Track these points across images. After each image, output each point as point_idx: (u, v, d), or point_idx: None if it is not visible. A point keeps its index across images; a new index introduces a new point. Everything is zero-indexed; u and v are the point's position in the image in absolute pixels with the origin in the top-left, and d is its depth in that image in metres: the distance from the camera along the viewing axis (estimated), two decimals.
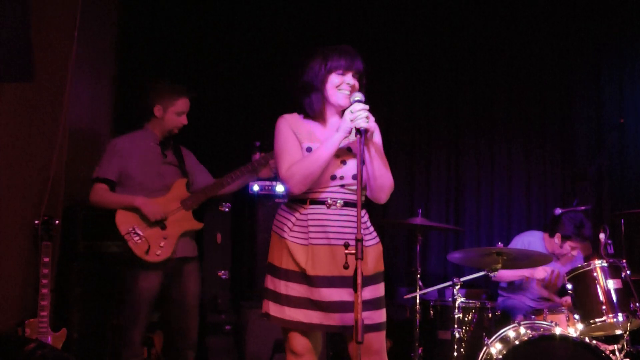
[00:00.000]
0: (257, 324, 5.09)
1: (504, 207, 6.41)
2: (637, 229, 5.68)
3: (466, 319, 4.66)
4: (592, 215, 5.55)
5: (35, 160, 4.25)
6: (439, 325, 4.77)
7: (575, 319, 4.23)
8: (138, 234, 4.12)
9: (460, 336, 4.50)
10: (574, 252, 5.14)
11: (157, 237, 4.17)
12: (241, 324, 5.26)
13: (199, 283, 4.48)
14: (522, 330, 4.19)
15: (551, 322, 4.26)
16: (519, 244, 5.21)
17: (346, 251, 2.62)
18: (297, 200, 3.17)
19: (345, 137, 3.05)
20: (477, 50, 6.50)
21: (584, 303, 4.21)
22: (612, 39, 6.43)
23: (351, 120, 2.95)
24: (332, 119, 3.21)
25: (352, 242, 2.64)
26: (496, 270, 4.36)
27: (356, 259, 2.55)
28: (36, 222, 4.10)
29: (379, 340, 3.13)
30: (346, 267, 2.63)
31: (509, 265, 4.52)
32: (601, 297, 4.14)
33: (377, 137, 3.22)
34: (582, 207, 5.21)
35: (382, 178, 3.12)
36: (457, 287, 4.46)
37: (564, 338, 4.05)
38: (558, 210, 5.16)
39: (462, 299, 4.54)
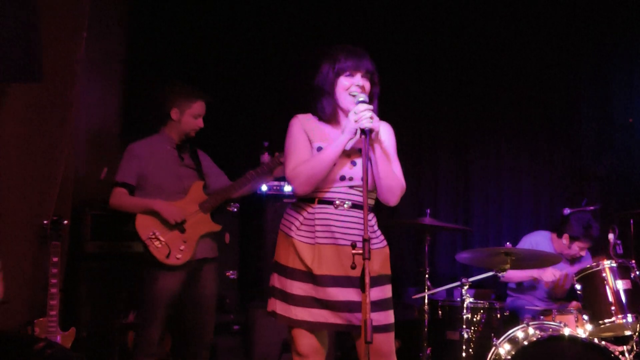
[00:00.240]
0: (265, 324, 5.10)
1: (513, 207, 6.40)
2: None
3: (475, 319, 4.65)
4: (601, 215, 5.52)
5: (44, 161, 4.27)
6: (448, 325, 4.76)
7: (584, 319, 4.21)
8: (159, 239, 4.15)
9: (468, 336, 4.49)
10: (582, 253, 5.13)
11: (177, 241, 4.19)
12: (249, 324, 5.27)
13: (217, 283, 4.51)
14: (531, 330, 4.18)
15: (560, 322, 4.24)
16: (527, 244, 5.19)
17: (353, 251, 2.61)
18: (306, 200, 3.17)
19: (351, 139, 3.05)
20: (484, 49, 6.48)
21: (593, 304, 4.19)
22: (621, 38, 6.40)
23: (355, 121, 2.95)
24: (345, 121, 3.20)
25: (359, 243, 2.63)
26: (504, 270, 4.35)
27: (363, 259, 2.54)
28: (45, 222, 4.12)
29: (388, 342, 3.12)
30: (353, 267, 2.63)
31: (518, 265, 4.51)
32: (610, 298, 4.13)
33: (389, 140, 3.22)
34: (591, 207, 5.18)
35: (388, 179, 3.11)
36: (466, 288, 4.45)
37: (573, 339, 4.03)
38: (567, 210, 5.14)
39: (471, 299, 4.53)
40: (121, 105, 5.75)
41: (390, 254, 3.27)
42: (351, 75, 3.13)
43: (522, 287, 5.28)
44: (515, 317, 4.94)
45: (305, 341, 3.12)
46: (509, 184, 6.45)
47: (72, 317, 4.48)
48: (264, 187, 5.47)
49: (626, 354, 4.11)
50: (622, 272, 4.19)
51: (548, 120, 6.47)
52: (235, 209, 5.38)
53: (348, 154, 3.12)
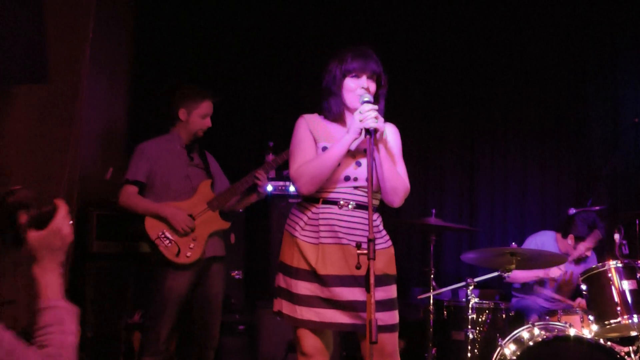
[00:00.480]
0: (271, 324, 5.10)
1: (518, 207, 6.39)
2: None
3: (480, 319, 4.65)
4: (607, 215, 5.51)
5: (50, 161, 4.28)
6: (453, 325, 4.76)
7: (589, 320, 4.19)
8: (168, 238, 4.17)
9: (474, 337, 4.47)
10: (588, 253, 5.12)
11: (186, 240, 4.21)
12: (255, 324, 5.28)
13: (224, 283, 4.53)
14: (536, 331, 4.16)
15: (565, 323, 4.23)
16: (532, 244, 5.19)
17: (358, 251, 2.62)
18: (310, 200, 3.17)
19: (356, 139, 3.05)
20: (491, 49, 6.48)
21: (599, 304, 4.17)
22: (628, 38, 6.38)
23: (360, 121, 2.95)
24: (351, 121, 3.20)
25: (364, 243, 2.63)
26: (510, 270, 4.34)
27: (368, 259, 2.54)
28: None
29: (391, 342, 3.13)
30: (358, 267, 2.63)
31: (523, 265, 4.50)
32: (616, 298, 4.10)
33: (394, 140, 3.22)
34: (597, 207, 5.17)
35: (393, 180, 3.11)
36: (471, 288, 4.44)
37: (578, 339, 4.01)
38: (572, 210, 5.13)
39: (476, 300, 4.52)
40: (127, 106, 5.77)
41: (396, 254, 3.28)
42: (357, 76, 3.13)
43: (527, 288, 5.27)
44: (520, 318, 4.93)
45: (310, 341, 3.13)
46: (515, 184, 6.44)
47: (78, 317, 4.49)
48: (270, 188, 5.48)
49: (632, 355, 4.10)
50: (628, 272, 4.17)
51: (554, 121, 6.46)
52: (241, 209, 5.39)
53: (353, 155, 3.13)
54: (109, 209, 4.50)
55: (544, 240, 5.19)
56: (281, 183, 5.49)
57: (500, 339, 4.23)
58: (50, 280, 1.81)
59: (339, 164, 3.08)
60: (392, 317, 3.13)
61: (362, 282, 2.65)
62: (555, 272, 5.01)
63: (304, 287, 3.10)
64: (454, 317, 4.78)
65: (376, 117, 2.95)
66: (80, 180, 4.55)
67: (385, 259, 3.15)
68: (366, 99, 3.02)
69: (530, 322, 4.26)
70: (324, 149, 3.14)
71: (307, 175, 3.08)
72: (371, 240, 2.56)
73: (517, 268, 4.40)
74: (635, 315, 4.05)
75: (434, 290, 4.74)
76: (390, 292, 3.15)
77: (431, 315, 4.69)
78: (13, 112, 3.90)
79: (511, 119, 6.47)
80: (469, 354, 4.45)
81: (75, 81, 4.36)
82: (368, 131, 2.92)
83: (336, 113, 3.21)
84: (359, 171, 3.13)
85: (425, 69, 6.46)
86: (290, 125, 3.30)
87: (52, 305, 1.78)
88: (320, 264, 3.08)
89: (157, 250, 4.17)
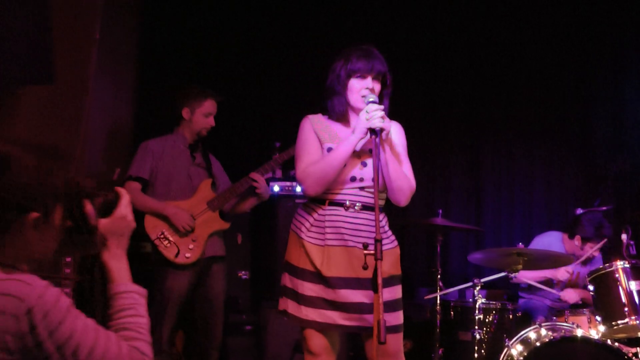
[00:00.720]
0: (277, 324, 5.11)
1: (525, 207, 6.38)
2: None
3: (487, 320, 4.64)
4: (614, 215, 5.49)
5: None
6: (460, 326, 4.75)
7: (597, 320, 4.18)
8: (167, 238, 4.18)
9: (480, 337, 4.47)
10: (595, 253, 5.10)
11: (186, 240, 4.22)
12: (261, 324, 5.28)
13: (225, 283, 4.53)
14: (543, 331, 4.15)
15: (572, 323, 4.21)
16: (539, 244, 5.17)
17: (365, 252, 2.60)
18: (316, 201, 3.17)
19: (362, 139, 3.05)
20: (497, 50, 6.47)
21: (606, 305, 4.16)
22: (633, 37, 6.36)
23: (367, 120, 2.95)
24: (355, 121, 3.20)
25: (371, 243, 2.63)
26: (517, 271, 4.33)
27: (375, 259, 2.53)
28: None
29: (396, 343, 3.13)
30: (365, 267, 2.62)
31: (530, 266, 4.49)
32: (623, 299, 4.08)
33: (399, 139, 3.22)
34: (604, 208, 5.15)
35: (399, 180, 3.11)
36: (478, 288, 4.44)
37: (586, 340, 4.00)
38: (579, 211, 5.11)
39: (483, 300, 4.51)
40: (133, 106, 5.77)
41: (402, 254, 3.28)
42: (362, 77, 3.13)
43: (534, 288, 5.25)
44: (527, 318, 4.91)
45: (317, 341, 3.14)
46: (521, 184, 6.42)
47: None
48: (276, 188, 5.48)
49: None
50: (635, 273, 4.15)
51: (561, 121, 6.44)
52: (243, 212, 5.39)
53: (358, 155, 3.13)
54: None
55: (551, 241, 5.18)
56: (288, 183, 5.49)
57: (507, 340, 4.23)
58: (119, 265, 1.90)
59: (344, 165, 3.08)
60: (397, 318, 3.13)
61: (367, 284, 2.65)
62: (563, 274, 4.99)
63: (309, 288, 3.11)
64: (460, 318, 4.77)
65: (382, 117, 2.95)
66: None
67: (391, 260, 3.15)
68: (371, 99, 3.02)
69: (537, 323, 4.25)
70: (329, 149, 3.14)
71: (314, 177, 3.08)
72: (378, 241, 2.56)
73: (524, 268, 4.40)
74: None
75: (440, 290, 4.73)
76: (395, 292, 3.15)
77: (438, 316, 4.68)
78: (19, 113, 3.92)
79: (517, 119, 6.46)
80: (475, 355, 4.44)
81: (81, 82, 4.38)
82: (374, 131, 2.92)
83: (340, 112, 3.20)
84: (364, 171, 3.13)
85: (430, 70, 6.45)
86: (296, 126, 3.31)
87: (124, 290, 1.86)
88: (325, 266, 3.08)
89: (156, 250, 4.18)
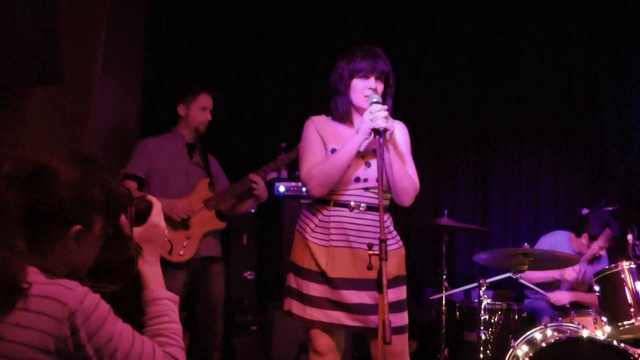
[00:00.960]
0: (283, 324, 5.12)
1: (531, 207, 6.37)
2: None
3: (492, 320, 4.64)
4: (620, 215, 5.48)
5: None
6: (465, 326, 4.75)
7: (602, 321, 4.17)
8: None
9: (486, 338, 4.47)
10: (602, 252, 5.09)
11: (180, 237, 4.22)
12: (267, 324, 5.29)
13: (223, 284, 4.52)
14: (549, 332, 4.14)
15: (578, 324, 4.21)
16: (546, 244, 5.16)
17: (370, 252, 2.60)
18: (321, 202, 3.18)
19: (366, 139, 3.05)
20: (504, 49, 6.46)
21: (612, 305, 4.15)
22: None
23: (370, 120, 2.95)
24: (359, 121, 3.20)
25: (375, 244, 2.63)
26: (522, 271, 4.33)
27: (380, 260, 2.53)
28: None
29: (401, 343, 3.13)
30: (370, 268, 2.61)
31: (536, 266, 4.49)
32: (629, 300, 4.07)
33: (403, 139, 3.22)
34: (610, 208, 5.15)
35: (403, 180, 3.11)
36: (483, 289, 4.44)
37: (591, 341, 3.99)
38: (585, 211, 5.11)
39: (488, 301, 4.51)
40: (140, 107, 5.79)
41: (408, 254, 3.28)
42: (365, 77, 3.13)
43: (540, 289, 5.24)
44: (533, 319, 4.91)
45: (323, 340, 3.14)
46: (527, 184, 6.42)
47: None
48: (282, 188, 5.49)
49: None
50: None
51: (567, 120, 6.44)
52: (253, 210, 5.40)
53: (362, 156, 3.13)
54: None
55: (558, 240, 5.17)
56: (293, 184, 5.49)
57: (512, 340, 4.22)
58: (153, 272, 1.97)
59: (348, 166, 3.08)
60: (402, 318, 3.13)
61: (371, 285, 2.65)
62: (570, 274, 4.98)
63: (314, 289, 3.11)
64: (466, 318, 4.77)
65: (386, 117, 2.95)
66: None
67: (395, 261, 3.15)
68: (375, 100, 3.03)
69: (542, 323, 4.25)
70: (333, 150, 3.14)
71: (319, 178, 3.08)
72: (383, 241, 2.56)
73: (530, 269, 4.40)
74: None
75: (446, 290, 4.73)
76: (400, 293, 3.15)
77: (443, 316, 4.68)
78: (27, 113, 3.93)
79: (524, 119, 6.46)
80: (481, 355, 4.44)
81: (88, 82, 4.39)
82: (378, 131, 2.92)
83: (343, 113, 3.21)
84: (368, 172, 3.13)
85: (437, 69, 6.45)
86: (302, 126, 3.31)
87: (158, 296, 1.93)
88: (329, 267, 3.09)
89: None
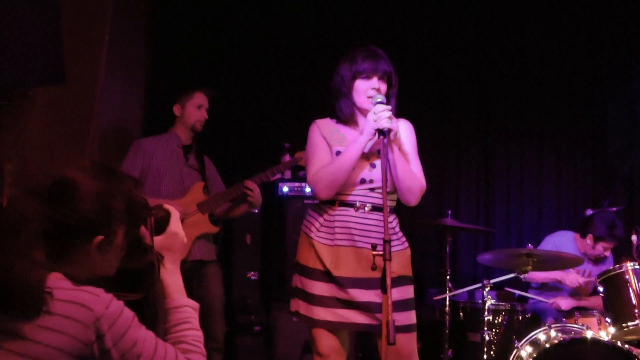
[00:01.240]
0: (287, 324, 5.11)
1: (534, 207, 6.36)
2: None
3: (496, 321, 4.63)
4: (624, 216, 5.47)
5: (67, 161, 4.30)
6: (469, 327, 4.74)
7: (607, 322, 4.16)
8: None
9: (490, 338, 4.46)
10: (606, 253, 5.08)
11: None
12: (271, 324, 5.29)
13: (222, 286, 4.51)
14: (553, 333, 4.14)
15: (582, 325, 4.20)
16: (550, 244, 5.15)
17: (374, 252, 2.59)
18: (327, 202, 3.18)
19: (370, 140, 3.05)
20: (508, 48, 6.45)
21: (616, 306, 4.14)
22: None
23: (374, 121, 2.95)
24: (363, 122, 3.20)
25: (379, 244, 2.62)
26: (526, 272, 4.32)
27: (384, 260, 2.52)
28: None
29: (409, 343, 3.12)
30: (374, 268, 2.60)
31: (539, 267, 4.48)
32: (634, 300, 4.06)
33: (408, 137, 3.22)
34: (614, 208, 5.13)
35: (408, 180, 3.11)
36: (487, 289, 4.43)
37: (596, 342, 3.98)
38: (589, 211, 5.09)
39: (492, 301, 4.51)
40: (142, 108, 5.79)
41: (412, 255, 3.27)
42: (368, 77, 3.13)
43: (545, 289, 5.24)
44: (537, 319, 4.91)
45: (326, 342, 3.13)
46: (531, 184, 6.40)
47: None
48: (285, 189, 5.48)
49: None
50: None
51: (570, 120, 6.41)
52: (257, 210, 5.39)
53: (367, 157, 3.13)
54: None
55: (563, 241, 5.16)
56: (297, 184, 5.49)
57: (516, 341, 4.22)
58: (174, 280, 2.01)
59: (354, 167, 3.08)
60: (408, 317, 3.12)
61: (377, 284, 2.64)
62: (573, 282, 4.96)
63: (320, 288, 3.11)
64: (470, 319, 4.76)
65: (390, 118, 2.95)
66: None
67: (401, 261, 3.15)
68: (379, 100, 3.02)
69: (546, 324, 4.24)
70: (338, 153, 3.14)
71: (325, 180, 3.08)
72: (387, 242, 2.56)
73: (534, 269, 4.39)
74: None
75: (450, 291, 4.73)
76: (405, 292, 3.14)
77: (447, 317, 4.68)
78: (32, 114, 3.94)
79: (527, 119, 6.44)
80: (485, 356, 4.43)
81: (91, 83, 4.41)
82: (382, 132, 2.91)
83: (347, 114, 3.21)
84: (373, 173, 3.13)
85: (441, 68, 6.43)
86: (306, 127, 3.31)
87: (180, 304, 1.97)
88: (334, 266, 3.08)
89: None
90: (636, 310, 4.03)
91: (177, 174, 4.38)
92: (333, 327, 3.11)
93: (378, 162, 3.13)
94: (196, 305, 2.01)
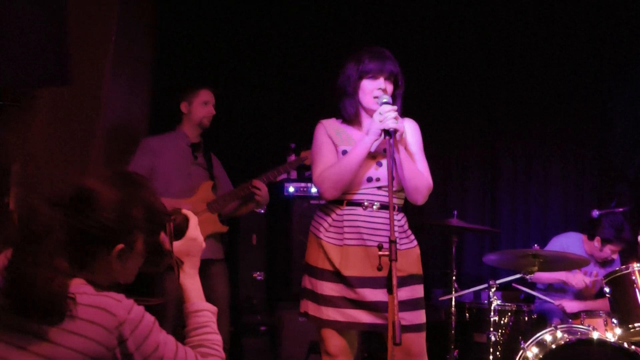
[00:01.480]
0: (292, 325, 5.11)
1: (541, 208, 6.35)
2: None
3: (502, 321, 4.62)
4: (631, 217, 5.45)
5: (73, 163, 4.31)
6: (475, 327, 4.73)
7: (613, 323, 4.14)
8: None
9: (496, 339, 4.45)
10: (614, 256, 5.06)
11: None
12: (276, 325, 5.29)
13: (228, 285, 4.51)
14: (559, 334, 4.12)
15: (588, 326, 4.18)
16: (557, 245, 5.13)
17: (380, 253, 2.60)
18: (335, 202, 3.19)
19: (376, 140, 3.05)
20: (512, 49, 6.44)
21: (623, 307, 4.12)
22: None
23: (380, 122, 2.95)
24: (368, 122, 3.20)
25: (386, 244, 2.62)
26: (532, 272, 4.31)
27: (390, 260, 2.53)
28: None
29: (418, 342, 3.12)
30: (379, 268, 2.61)
31: (545, 267, 4.47)
32: None
33: (414, 136, 3.22)
34: (620, 209, 5.11)
35: (415, 179, 3.11)
36: (493, 290, 4.42)
37: (602, 343, 3.97)
38: (595, 212, 5.06)
39: (498, 302, 4.49)
40: (148, 109, 5.80)
41: (420, 256, 3.27)
42: (374, 77, 3.13)
43: (551, 290, 5.22)
44: (543, 320, 4.89)
45: (335, 341, 3.14)
46: (537, 185, 6.39)
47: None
48: (291, 189, 5.49)
49: None
50: None
51: (577, 121, 6.40)
52: (262, 210, 5.40)
53: (373, 156, 3.13)
54: None
55: (570, 242, 5.14)
56: (303, 184, 5.49)
57: (522, 342, 4.21)
58: (193, 284, 2.06)
59: (359, 167, 3.08)
60: (418, 316, 3.12)
61: (385, 283, 2.64)
62: (579, 283, 4.95)
63: (329, 288, 3.11)
64: (475, 319, 4.76)
65: (396, 118, 2.95)
66: None
67: (410, 259, 3.15)
68: (385, 100, 3.03)
69: (553, 325, 4.22)
70: (344, 152, 3.15)
71: (331, 180, 3.09)
72: (393, 242, 2.55)
73: (540, 270, 4.38)
74: None
75: (455, 292, 4.72)
76: (415, 291, 3.15)
77: (453, 317, 4.67)
78: (38, 115, 3.94)
79: (533, 119, 6.43)
80: (491, 357, 4.42)
81: (97, 83, 4.41)
82: (388, 132, 2.92)
83: (352, 114, 3.21)
84: (380, 172, 3.13)
85: (446, 69, 6.43)
86: (311, 127, 3.31)
87: (199, 308, 2.00)
88: (343, 266, 3.09)
89: None
90: None
91: (186, 173, 4.39)
92: (342, 327, 3.12)
93: (384, 161, 3.13)
94: (214, 309, 2.03)
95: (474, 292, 4.99)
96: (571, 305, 4.91)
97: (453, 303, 4.68)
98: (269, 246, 5.63)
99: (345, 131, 3.23)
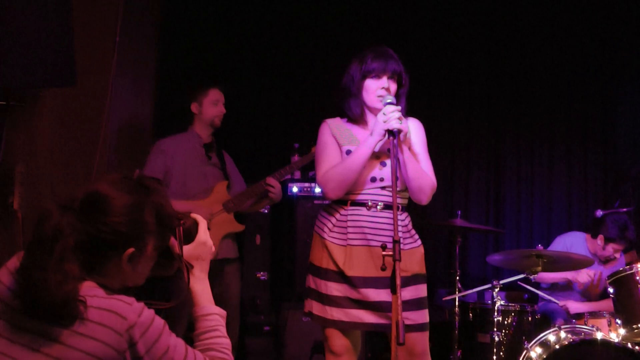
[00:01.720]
0: (296, 324, 5.11)
1: (545, 208, 6.35)
2: None
3: (506, 322, 4.62)
4: (635, 217, 5.44)
5: (79, 163, 4.33)
6: (478, 327, 4.72)
7: (617, 323, 4.14)
8: None
9: (499, 339, 4.45)
10: (617, 255, 5.06)
11: None
12: (280, 324, 5.29)
13: (240, 284, 4.54)
14: (563, 334, 4.12)
15: (592, 326, 4.18)
16: (561, 244, 5.13)
17: (383, 253, 2.60)
18: (339, 202, 3.19)
19: (380, 140, 3.05)
20: (518, 49, 6.44)
21: (626, 307, 4.11)
22: None
23: (384, 122, 2.95)
24: (372, 121, 3.20)
25: (389, 244, 2.62)
26: (536, 272, 4.31)
27: (394, 260, 2.53)
28: None
29: (422, 342, 3.12)
30: (383, 268, 2.61)
31: (549, 267, 4.46)
32: None
33: (419, 136, 3.22)
34: (624, 209, 5.11)
35: (419, 179, 3.11)
36: (497, 290, 4.42)
37: (606, 343, 3.97)
38: (599, 212, 5.07)
39: (502, 302, 4.50)
40: (153, 109, 5.81)
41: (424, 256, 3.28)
42: (377, 77, 3.14)
43: (555, 290, 5.22)
44: (547, 321, 4.89)
45: (339, 341, 3.14)
46: (541, 185, 6.39)
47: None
48: (295, 189, 5.49)
49: None
50: None
51: (580, 121, 6.40)
52: (266, 210, 5.41)
53: (377, 156, 3.13)
54: None
55: (574, 242, 5.14)
56: (307, 184, 5.50)
57: (526, 342, 4.21)
58: (202, 288, 2.07)
59: (362, 168, 3.09)
60: (422, 316, 3.13)
61: (389, 283, 2.65)
62: (584, 277, 4.95)
63: (333, 288, 3.12)
64: (479, 319, 4.75)
65: (399, 118, 2.95)
66: None
67: (414, 259, 3.16)
68: (389, 100, 3.03)
69: (556, 325, 4.22)
70: (348, 152, 3.15)
71: (335, 180, 3.09)
72: (396, 242, 2.56)
73: (543, 270, 4.37)
74: None
75: (459, 292, 4.73)
76: (419, 291, 3.15)
77: (456, 317, 4.67)
78: (43, 115, 3.96)
79: (537, 119, 6.43)
80: (494, 357, 4.42)
81: (102, 84, 4.42)
82: (391, 132, 2.92)
83: (356, 114, 3.22)
84: (384, 172, 3.14)
85: (451, 69, 6.43)
86: (316, 127, 3.32)
87: (208, 312, 2.01)
88: (347, 266, 3.09)
89: None
90: None
91: (201, 174, 4.40)
92: (346, 327, 3.13)
93: (388, 161, 3.13)
94: (223, 312, 2.05)
95: (478, 292, 4.99)
96: (575, 306, 4.91)
97: (457, 303, 4.69)
98: (273, 246, 5.64)
99: (350, 130, 3.23)
